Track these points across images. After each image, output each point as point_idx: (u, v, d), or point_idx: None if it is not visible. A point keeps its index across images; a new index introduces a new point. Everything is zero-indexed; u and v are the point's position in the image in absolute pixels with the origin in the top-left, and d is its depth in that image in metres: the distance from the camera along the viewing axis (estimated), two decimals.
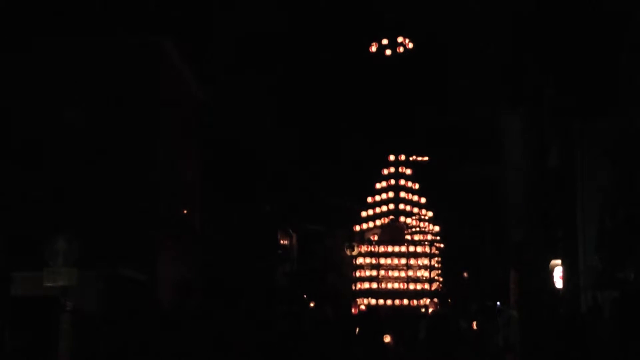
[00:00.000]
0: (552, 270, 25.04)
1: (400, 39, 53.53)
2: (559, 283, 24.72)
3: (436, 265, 54.53)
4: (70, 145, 28.74)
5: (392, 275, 53.54)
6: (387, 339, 43.95)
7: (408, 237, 54.80)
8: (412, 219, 55.40)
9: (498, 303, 35.78)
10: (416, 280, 53.51)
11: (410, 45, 53.68)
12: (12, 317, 21.26)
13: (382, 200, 55.39)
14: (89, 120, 28.81)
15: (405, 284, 53.58)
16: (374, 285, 53.63)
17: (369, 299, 53.11)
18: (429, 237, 55.32)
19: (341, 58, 53.69)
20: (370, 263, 53.86)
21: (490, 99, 36.69)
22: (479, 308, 38.90)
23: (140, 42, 29.67)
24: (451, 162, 52.86)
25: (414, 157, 55.96)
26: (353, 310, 52.24)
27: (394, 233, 54.79)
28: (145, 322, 24.73)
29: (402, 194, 55.29)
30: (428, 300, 53.18)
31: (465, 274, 53.12)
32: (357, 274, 54.08)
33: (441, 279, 54.96)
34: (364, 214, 55.41)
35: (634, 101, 18.40)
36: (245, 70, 40.48)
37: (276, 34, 45.12)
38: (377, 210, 55.27)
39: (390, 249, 53.87)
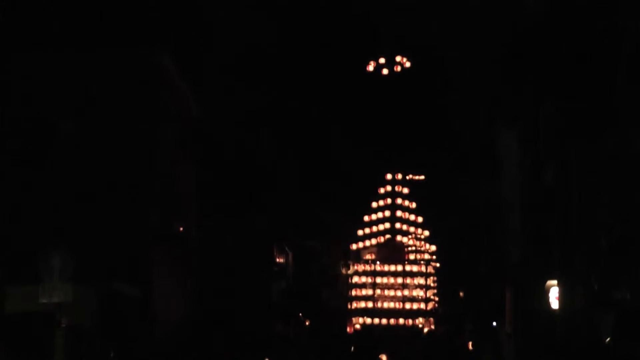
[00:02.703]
0: (548, 290, 24.95)
1: (397, 58, 53.63)
2: (554, 303, 24.63)
3: (432, 284, 54.51)
4: (65, 159, 28.69)
5: (388, 294, 53.53)
6: (383, 358, 43.91)
7: (404, 256, 54.81)
8: (409, 238, 55.40)
9: (494, 323, 35.69)
10: (412, 299, 53.49)
11: (408, 64, 53.76)
12: (7, 333, 21.20)
13: (378, 218, 55.41)
14: (84, 135, 28.78)
15: (401, 303, 53.55)
16: (370, 304, 53.60)
17: (365, 317, 53.07)
18: (426, 256, 55.30)
19: (339, 76, 53.76)
20: (366, 282, 53.86)
21: (487, 117, 36.74)
22: (475, 328, 38.86)
23: (137, 55, 29.70)
24: (448, 180, 52.87)
25: (411, 175, 56.01)
26: (349, 329, 52.24)
27: (390, 252, 54.79)
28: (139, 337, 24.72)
29: (399, 213, 55.32)
30: (424, 320, 53.18)
31: (461, 294, 53.04)
32: (353, 292, 54.04)
33: (437, 299, 54.92)
34: (360, 232, 55.42)
35: (630, 121, 18.44)
36: (242, 87, 40.52)
37: (273, 50, 45.19)
38: (374, 228, 55.30)
39: (386, 267, 53.87)
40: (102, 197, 28.40)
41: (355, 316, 53.68)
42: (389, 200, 55.62)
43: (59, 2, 30.15)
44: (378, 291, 53.74)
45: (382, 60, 53.20)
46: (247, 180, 40.14)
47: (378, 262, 53.98)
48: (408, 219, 55.49)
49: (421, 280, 53.91)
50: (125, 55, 29.63)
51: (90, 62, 29.46)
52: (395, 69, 53.64)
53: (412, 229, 55.54)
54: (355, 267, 53.99)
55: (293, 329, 44.92)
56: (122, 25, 30.34)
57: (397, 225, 55.22)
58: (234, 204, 38.92)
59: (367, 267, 54.01)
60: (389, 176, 55.83)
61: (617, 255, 19.00)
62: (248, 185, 40.18)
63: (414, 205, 55.58)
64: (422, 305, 53.84)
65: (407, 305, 53.65)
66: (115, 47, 29.66)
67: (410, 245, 55.25)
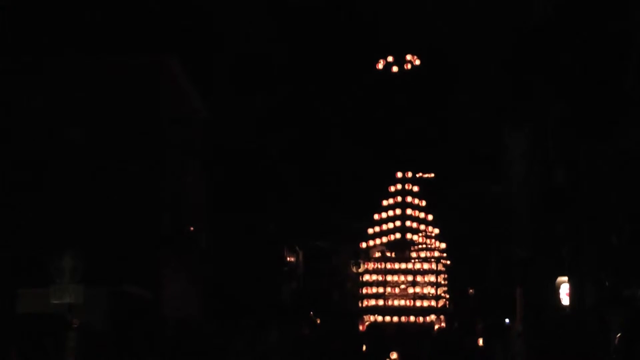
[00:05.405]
0: (559, 287, 24.96)
1: (408, 57, 53.73)
2: (565, 300, 24.63)
3: (442, 282, 54.51)
4: (75, 163, 28.78)
5: (399, 292, 53.55)
6: (394, 355, 43.97)
7: (414, 254, 54.80)
8: (419, 236, 55.40)
9: (507, 320, 35.67)
10: (422, 297, 53.49)
11: (417, 62, 53.85)
12: (19, 334, 21.28)
13: (388, 217, 55.41)
14: (94, 139, 28.86)
15: (412, 301, 53.58)
16: (380, 302, 53.63)
17: (375, 315, 53.11)
18: (436, 253, 55.30)
19: (348, 75, 53.83)
20: (377, 280, 53.88)
21: (496, 116, 36.75)
22: (485, 325, 38.86)
23: (146, 60, 29.75)
24: (457, 179, 52.92)
25: (421, 174, 56.00)
26: (360, 327, 52.29)
27: (400, 250, 54.81)
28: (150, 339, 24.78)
29: (409, 211, 55.33)
30: (434, 317, 53.20)
31: (471, 291, 53.05)
32: (364, 290, 54.07)
33: (447, 296, 54.91)
34: (370, 231, 55.42)
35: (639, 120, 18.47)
36: (250, 89, 40.57)
37: (282, 51, 45.24)
38: (384, 227, 55.30)
39: (396, 266, 53.89)
40: (113, 200, 28.47)
41: (366, 314, 53.72)
42: (399, 199, 55.62)
43: (67, 8, 30.27)
44: (388, 289, 53.77)
45: (390, 59, 53.29)
46: (257, 181, 40.20)
47: (388, 261, 54.00)
48: (418, 217, 55.50)
49: (431, 278, 53.92)
50: (133, 61, 29.70)
51: (99, 68, 29.53)
52: (405, 67, 53.71)
53: (422, 227, 55.55)
54: (366, 266, 54.00)
55: (306, 329, 44.94)
56: (131, 31, 30.42)
57: (407, 223, 55.26)
58: (244, 205, 38.98)
59: (378, 265, 54.05)
60: (399, 174, 55.83)
61: (627, 252, 19.02)
62: (258, 187, 40.23)
63: (424, 203, 55.59)
64: (433, 303, 53.84)
65: (418, 303, 53.68)
66: (123, 52, 29.73)
67: (421, 243, 55.26)
